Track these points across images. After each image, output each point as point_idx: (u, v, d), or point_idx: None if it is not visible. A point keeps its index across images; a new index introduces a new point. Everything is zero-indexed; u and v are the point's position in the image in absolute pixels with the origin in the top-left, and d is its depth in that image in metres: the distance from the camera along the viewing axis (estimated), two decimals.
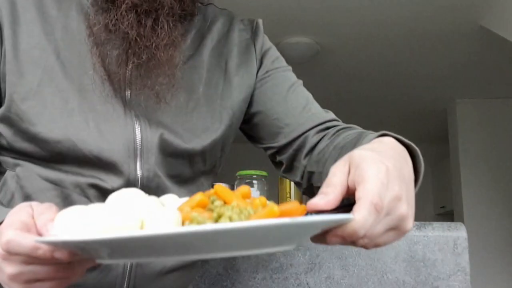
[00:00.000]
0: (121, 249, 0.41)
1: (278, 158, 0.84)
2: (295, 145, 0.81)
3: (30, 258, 0.47)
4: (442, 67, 3.64)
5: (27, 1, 0.72)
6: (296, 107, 0.82)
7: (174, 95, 0.73)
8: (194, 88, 0.77)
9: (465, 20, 2.99)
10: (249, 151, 2.53)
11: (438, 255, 1.08)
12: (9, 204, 0.68)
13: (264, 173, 1.39)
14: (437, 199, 5.53)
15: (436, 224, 1.11)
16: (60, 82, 0.68)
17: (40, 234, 0.47)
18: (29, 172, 0.68)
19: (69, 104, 0.68)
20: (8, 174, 0.70)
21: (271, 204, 0.44)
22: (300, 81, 0.87)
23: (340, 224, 0.44)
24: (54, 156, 0.67)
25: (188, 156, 0.74)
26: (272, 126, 0.83)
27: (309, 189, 0.81)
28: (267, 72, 0.85)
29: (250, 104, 0.85)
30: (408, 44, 3.27)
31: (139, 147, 0.69)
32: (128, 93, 0.71)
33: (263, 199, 0.48)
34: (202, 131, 0.76)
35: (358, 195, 0.45)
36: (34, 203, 0.51)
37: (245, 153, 3.43)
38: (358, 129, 0.76)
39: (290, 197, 1.46)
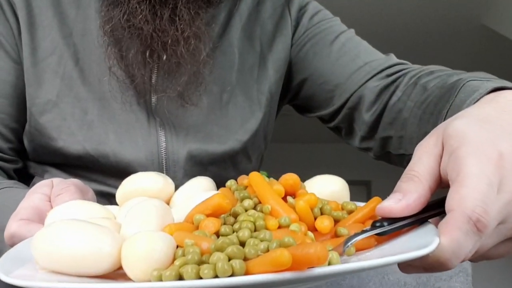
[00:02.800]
0: None
1: (334, 123, 0.73)
2: (349, 104, 0.69)
3: None
4: (443, 66, 3.63)
5: (43, 0, 0.66)
6: (343, 63, 0.69)
7: (202, 94, 0.66)
8: (226, 77, 0.68)
9: (466, 19, 2.98)
10: None
11: None
12: None
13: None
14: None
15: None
16: (79, 90, 0.64)
17: None
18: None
19: (88, 115, 0.64)
20: (37, 180, 0.68)
21: (287, 240, 0.31)
22: (351, 30, 0.74)
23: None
24: (78, 166, 0.65)
25: (229, 158, 0.68)
26: (321, 92, 0.72)
27: (386, 157, 0.68)
28: (304, 32, 0.73)
29: (290, 76, 0.74)
30: (409, 42, 3.26)
31: (164, 161, 0.64)
32: (154, 98, 0.65)
33: (313, 198, 0.37)
34: (240, 124, 0.68)
35: (449, 204, 0.31)
36: (55, 180, 0.48)
37: None
38: (445, 71, 0.60)
39: None
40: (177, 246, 0.34)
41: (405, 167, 0.46)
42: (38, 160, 0.68)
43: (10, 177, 0.66)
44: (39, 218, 0.44)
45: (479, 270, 3.91)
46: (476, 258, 0.33)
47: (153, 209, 0.39)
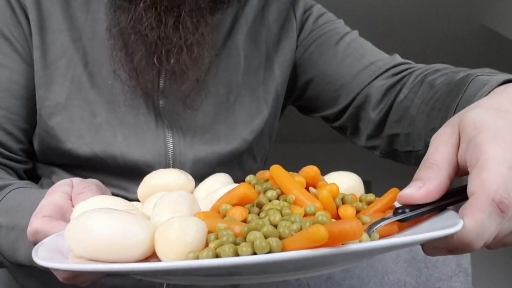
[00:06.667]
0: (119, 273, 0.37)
1: (339, 122, 0.73)
2: (356, 102, 0.69)
3: None
4: None
5: (53, 3, 0.66)
6: (349, 63, 0.70)
7: (205, 99, 0.66)
8: (231, 79, 0.69)
9: (467, 20, 2.98)
10: None
11: (439, 256, 1.08)
12: None
13: None
14: None
15: None
16: (88, 94, 0.64)
17: None
18: None
19: (96, 118, 0.64)
20: (44, 181, 0.68)
21: (321, 218, 0.32)
22: (354, 32, 0.74)
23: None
24: (86, 168, 0.65)
25: (235, 158, 0.68)
26: (327, 92, 0.72)
27: (392, 155, 0.68)
28: (309, 34, 0.74)
29: (295, 77, 0.75)
30: (409, 43, 3.26)
31: (171, 162, 0.65)
32: (162, 102, 0.66)
33: (335, 188, 0.38)
34: (246, 124, 0.69)
35: (471, 188, 0.32)
36: (75, 180, 0.48)
37: None
38: (450, 68, 0.59)
39: None
40: (208, 232, 0.35)
41: (412, 164, 0.45)
42: (46, 162, 0.68)
43: (20, 178, 0.67)
44: (62, 216, 0.44)
45: (479, 270, 3.91)
46: (495, 244, 0.34)
47: (181, 199, 0.39)
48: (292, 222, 0.33)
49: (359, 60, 0.69)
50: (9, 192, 0.56)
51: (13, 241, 0.52)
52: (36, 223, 0.43)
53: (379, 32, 3.28)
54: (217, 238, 0.33)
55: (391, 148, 0.67)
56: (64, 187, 0.47)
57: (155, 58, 0.61)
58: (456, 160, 0.35)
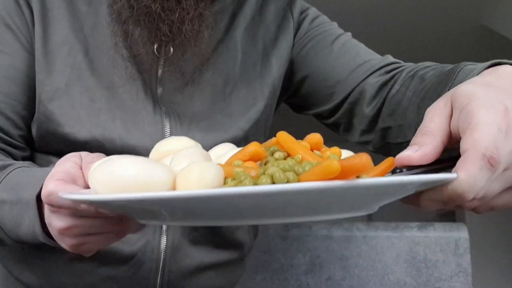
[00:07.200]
0: (142, 209, 0.38)
1: (333, 119, 0.75)
2: (350, 99, 0.71)
3: (78, 211, 0.44)
4: None
5: None
6: (344, 61, 0.73)
7: (203, 76, 0.69)
8: (229, 71, 0.72)
9: (467, 19, 2.98)
10: None
11: (439, 256, 1.08)
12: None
13: None
14: None
15: (437, 225, 1.10)
16: (88, 80, 0.67)
17: (88, 186, 0.43)
18: None
19: (96, 103, 0.66)
20: None
21: (332, 158, 0.34)
22: (348, 33, 0.78)
23: (439, 186, 0.34)
24: None
25: None
26: (322, 88, 0.74)
27: (385, 149, 0.70)
28: (305, 34, 0.78)
29: (292, 73, 0.78)
30: (409, 42, 3.26)
31: None
32: (160, 90, 0.68)
33: (337, 150, 0.40)
34: (243, 113, 0.71)
35: (464, 146, 0.34)
36: (83, 153, 0.48)
37: None
38: (440, 64, 0.63)
39: None
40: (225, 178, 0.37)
41: None
42: (43, 150, 0.69)
43: None
44: (73, 182, 0.45)
45: (479, 270, 3.91)
46: (483, 206, 0.37)
47: (197, 153, 0.41)
48: (304, 166, 0.35)
49: (354, 58, 0.72)
50: (12, 170, 0.57)
51: (17, 215, 0.53)
52: (50, 185, 0.43)
53: (379, 32, 3.28)
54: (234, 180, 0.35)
55: (384, 141, 0.69)
56: (73, 158, 0.47)
57: (155, 31, 0.64)
58: (449, 129, 0.37)
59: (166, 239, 0.66)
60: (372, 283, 1.08)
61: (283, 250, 1.08)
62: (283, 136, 0.40)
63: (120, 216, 0.45)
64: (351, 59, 0.73)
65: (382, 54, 0.75)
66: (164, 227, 0.66)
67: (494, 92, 0.37)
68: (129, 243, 0.65)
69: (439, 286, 1.08)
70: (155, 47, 0.66)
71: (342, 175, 0.30)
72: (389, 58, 0.72)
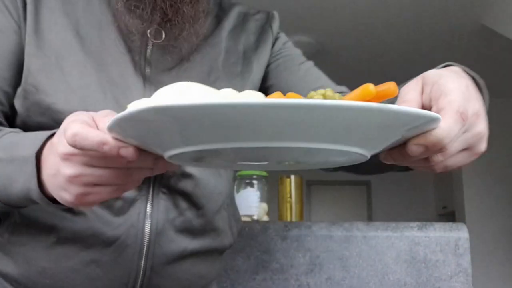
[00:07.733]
0: (212, 122, 0.38)
1: None
2: None
3: (92, 159, 0.45)
4: None
5: None
6: (307, 81, 0.84)
7: (190, 62, 0.74)
8: (212, 63, 0.78)
9: (466, 19, 2.98)
10: None
11: (439, 256, 1.08)
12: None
13: (264, 173, 1.38)
14: (438, 200, 5.51)
15: (437, 225, 1.10)
16: (79, 56, 0.69)
17: None
18: None
19: (87, 77, 0.67)
20: None
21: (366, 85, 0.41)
22: (312, 62, 0.90)
23: (423, 132, 0.42)
24: None
25: None
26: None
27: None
28: (279, 50, 0.88)
29: (264, 80, 0.86)
30: (410, 43, 3.26)
31: None
32: (148, 70, 0.71)
33: (329, 91, 0.45)
34: None
35: (440, 106, 0.44)
36: (91, 112, 0.49)
37: None
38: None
39: (290, 197, 1.45)
40: None
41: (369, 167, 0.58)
42: (27, 126, 0.69)
43: None
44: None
45: (479, 270, 3.91)
46: (442, 162, 0.45)
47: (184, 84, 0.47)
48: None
49: (317, 80, 0.85)
50: (4, 135, 0.58)
51: (11, 173, 0.54)
52: (76, 127, 0.44)
53: (379, 32, 3.28)
54: None
55: None
56: (84, 113, 0.47)
57: (157, 8, 0.69)
58: (421, 101, 0.46)
59: (151, 224, 0.67)
60: (372, 283, 1.08)
61: (283, 250, 1.08)
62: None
63: (126, 169, 0.47)
64: (314, 80, 0.84)
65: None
66: (148, 211, 0.67)
67: (456, 74, 0.48)
68: (112, 225, 0.65)
69: (439, 286, 1.08)
70: (149, 31, 0.70)
71: (376, 98, 0.40)
72: (344, 88, 0.83)
